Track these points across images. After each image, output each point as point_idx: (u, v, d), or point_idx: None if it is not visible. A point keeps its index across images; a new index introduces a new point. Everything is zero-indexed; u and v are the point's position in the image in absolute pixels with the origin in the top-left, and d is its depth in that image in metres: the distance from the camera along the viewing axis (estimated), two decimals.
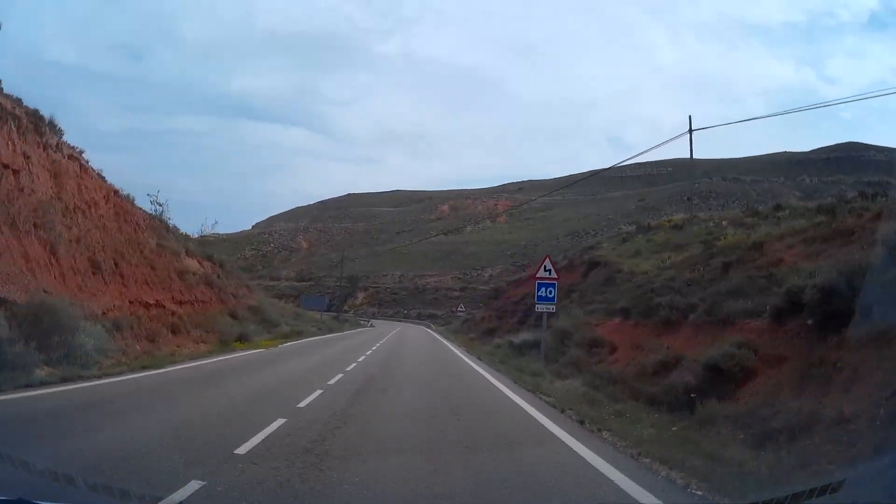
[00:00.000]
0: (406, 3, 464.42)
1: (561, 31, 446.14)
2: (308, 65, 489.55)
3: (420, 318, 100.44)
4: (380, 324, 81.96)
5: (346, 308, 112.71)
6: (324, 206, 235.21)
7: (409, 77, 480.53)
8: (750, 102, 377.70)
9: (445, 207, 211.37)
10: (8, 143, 14.54)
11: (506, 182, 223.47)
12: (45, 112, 17.89)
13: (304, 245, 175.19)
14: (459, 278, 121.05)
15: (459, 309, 38.85)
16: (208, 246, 38.49)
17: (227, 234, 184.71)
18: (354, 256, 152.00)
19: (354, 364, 19.09)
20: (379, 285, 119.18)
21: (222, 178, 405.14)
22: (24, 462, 4.99)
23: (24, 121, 16.09)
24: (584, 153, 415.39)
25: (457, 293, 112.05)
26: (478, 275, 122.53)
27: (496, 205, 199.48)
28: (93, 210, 18.71)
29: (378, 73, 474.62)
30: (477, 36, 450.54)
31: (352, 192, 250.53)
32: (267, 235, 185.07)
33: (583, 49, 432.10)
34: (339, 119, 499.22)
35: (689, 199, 54.63)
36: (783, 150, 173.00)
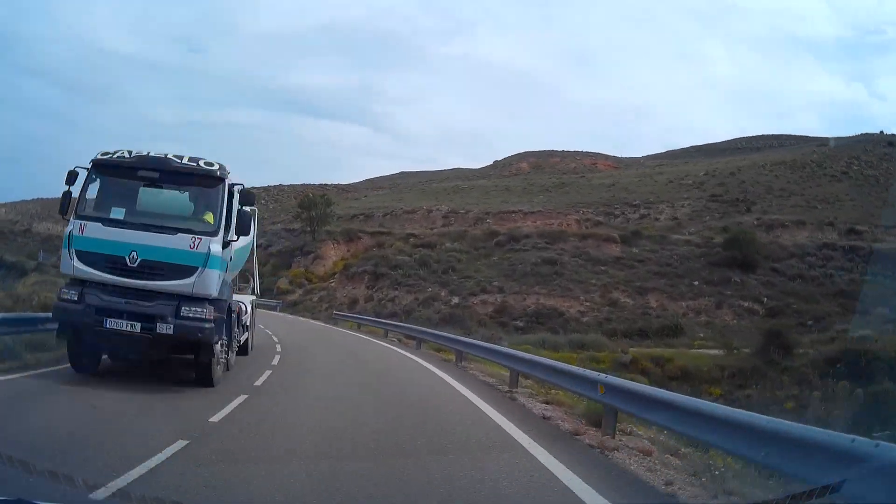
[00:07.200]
0: (465, 7, 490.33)
1: (617, 40, 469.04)
2: (367, 63, 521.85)
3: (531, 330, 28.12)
4: None
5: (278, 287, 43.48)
6: (371, 183, 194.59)
7: (467, 79, 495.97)
8: (800, 117, 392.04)
9: (524, 164, 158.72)
10: None
11: None
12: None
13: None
14: (599, 222, 48.27)
15: None
16: None
17: None
18: (356, 195, 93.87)
19: None
20: (390, 231, 48.91)
21: (277, 171, 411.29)
22: (24, 462, 4.73)
23: None
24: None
25: (617, 250, 37.41)
26: (644, 217, 50.53)
27: (594, 163, 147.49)
28: None
29: (436, 74, 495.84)
30: (535, 41, 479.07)
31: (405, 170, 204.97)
32: (261, 190, 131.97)
33: (637, 58, 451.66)
34: (396, 117, 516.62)
35: None
36: None
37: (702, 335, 31.99)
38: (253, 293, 16.65)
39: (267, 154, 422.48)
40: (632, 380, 16.00)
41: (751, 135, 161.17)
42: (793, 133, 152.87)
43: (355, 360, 17.08)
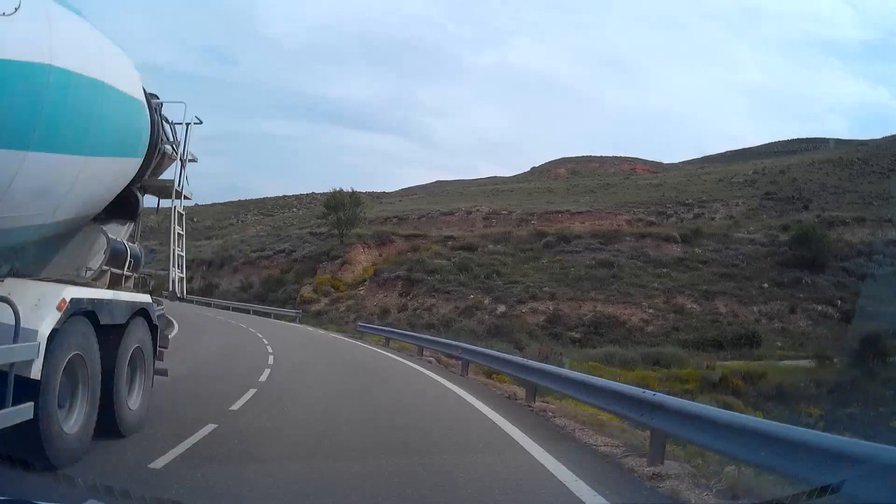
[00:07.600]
0: (500, 15, 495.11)
1: (648, 46, 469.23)
2: (401, 73, 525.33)
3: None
4: None
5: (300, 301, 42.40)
6: (405, 192, 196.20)
7: (501, 88, 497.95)
8: (830, 121, 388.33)
9: (562, 170, 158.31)
10: None
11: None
12: None
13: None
14: (652, 222, 45.18)
15: None
16: None
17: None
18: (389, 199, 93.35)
19: None
20: (426, 234, 46.31)
21: (310, 181, 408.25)
22: (23, 462, 4.53)
23: None
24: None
25: (678, 250, 34.27)
26: (698, 216, 55.23)
27: (633, 168, 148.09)
28: None
29: (470, 83, 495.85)
30: (568, 49, 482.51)
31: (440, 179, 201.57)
32: (293, 198, 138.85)
33: (668, 64, 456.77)
34: (430, 127, 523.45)
35: None
36: None
37: (779, 344, 28.78)
38: (160, 291, 8.51)
39: (299, 164, 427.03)
40: (724, 405, 12.29)
41: (785, 139, 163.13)
42: (825, 136, 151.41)
43: (366, 396, 11.16)
